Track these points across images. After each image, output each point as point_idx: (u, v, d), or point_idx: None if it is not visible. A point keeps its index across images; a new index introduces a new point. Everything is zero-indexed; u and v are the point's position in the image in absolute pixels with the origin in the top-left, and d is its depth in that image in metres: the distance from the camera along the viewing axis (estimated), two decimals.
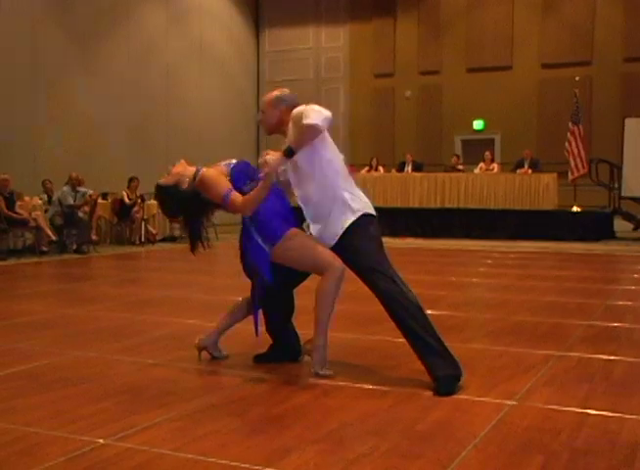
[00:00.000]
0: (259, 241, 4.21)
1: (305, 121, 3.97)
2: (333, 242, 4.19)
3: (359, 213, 4.20)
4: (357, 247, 4.15)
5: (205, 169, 4.30)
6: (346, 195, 4.22)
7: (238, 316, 4.55)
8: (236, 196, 4.09)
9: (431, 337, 3.99)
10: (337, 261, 4.12)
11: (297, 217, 4.37)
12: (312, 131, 4.00)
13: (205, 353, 4.59)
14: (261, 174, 4.01)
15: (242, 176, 4.27)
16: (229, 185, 4.17)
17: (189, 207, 4.41)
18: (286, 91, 4.39)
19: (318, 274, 4.17)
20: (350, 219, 4.17)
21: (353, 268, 4.18)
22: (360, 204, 4.24)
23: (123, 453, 3.00)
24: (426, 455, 2.99)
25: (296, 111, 4.17)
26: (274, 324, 4.50)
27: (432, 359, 3.97)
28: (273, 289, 4.29)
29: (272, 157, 4.04)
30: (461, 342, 4.74)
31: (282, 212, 4.28)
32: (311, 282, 4.33)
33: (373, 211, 4.29)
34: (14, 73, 14.53)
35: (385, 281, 4.07)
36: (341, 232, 4.16)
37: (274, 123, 4.33)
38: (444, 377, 3.91)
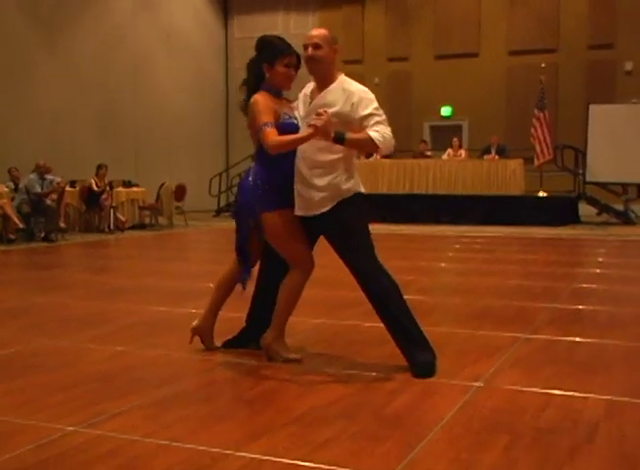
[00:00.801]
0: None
1: (374, 136, 3.87)
2: (318, 212, 4.05)
3: (355, 190, 4.11)
4: (348, 224, 4.06)
5: (258, 95, 4.12)
6: (350, 167, 4.13)
7: (222, 297, 4.47)
8: (273, 131, 3.91)
9: (410, 323, 4.02)
10: (310, 260, 4.14)
11: None
12: (370, 147, 3.99)
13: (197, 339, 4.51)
14: (311, 123, 3.82)
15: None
16: (272, 119, 4.00)
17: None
18: None
19: (289, 264, 4.14)
20: (341, 196, 4.05)
21: (337, 244, 4.09)
22: (356, 181, 4.16)
23: (93, 440, 2.99)
24: (393, 437, 3.01)
25: (369, 97, 4.01)
26: (258, 312, 4.43)
27: (410, 345, 3.99)
28: (269, 279, 4.28)
29: (323, 122, 3.75)
30: (430, 326, 4.75)
31: (287, 186, 4.11)
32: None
33: (363, 191, 4.21)
34: None
35: (369, 264, 4.03)
36: (327, 207, 4.03)
37: (328, 62, 4.06)
38: (423, 362, 3.95)
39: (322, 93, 4.08)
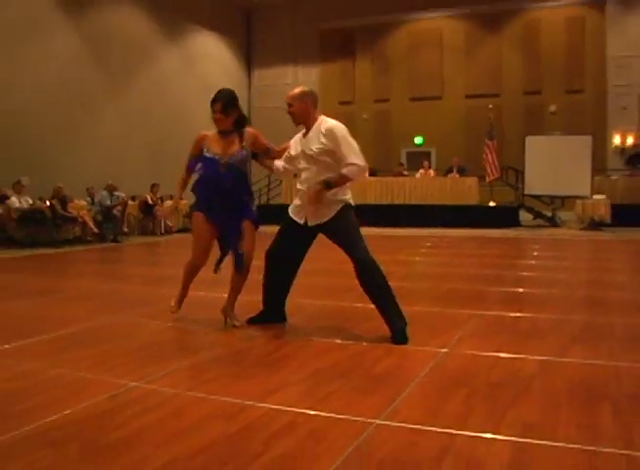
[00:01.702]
0: None
1: (345, 172, 3.96)
2: (322, 221, 4.09)
3: (344, 202, 4.13)
4: (345, 228, 4.08)
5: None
6: (341, 189, 4.14)
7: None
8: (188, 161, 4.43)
9: (391, 298, 4.01)
10: (196, 254, 4.47)
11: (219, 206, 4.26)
12: (348, 180, 4.04)
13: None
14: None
15: None
16: (193, 151, 4.45)
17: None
18: (306, 88, 4.23)
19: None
20: (339, 206, 4.10)
21: (341, 241, 4.08)
22: (347, 196, 4.18)
23: (150, 393, 2.99)
24: (379, 392, 3.00)
25: (341, 131, 4.04)
26: (271, 296, 4.39)
27: (393, 316, 3.98)
28: (278, 264, 4.27)
29: (314, 191, 3.99)
30: (408, 305, 4.70)
31: (208, 196, 4.29)
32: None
33: (352, 203, 4.23)
34: (66, 104, 14.34)
35: (368, 257, 4.01)
36: (331, 215, 4.07)
37: (301, 114, 4.12)
38: (400, 329, 3.93)
39: (305, 138, 4.15)
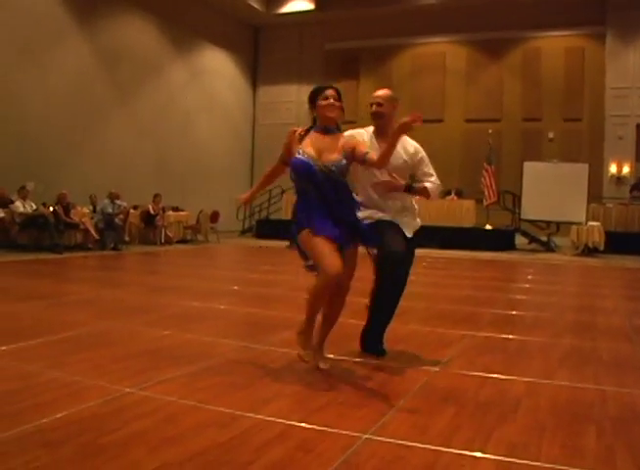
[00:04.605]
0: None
1: (429, 186, 4.04)
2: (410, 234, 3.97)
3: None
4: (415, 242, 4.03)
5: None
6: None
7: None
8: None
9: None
10: (331, 270, 3.26)
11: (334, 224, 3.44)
12: (426, 195, 4.06)
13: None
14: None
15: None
16: (284, 151, 3.62)
17: None
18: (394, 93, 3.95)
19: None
20: (418, 225, 4.10)
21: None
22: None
23: (144, 399, 3.00)
24: (370, 406, 3.01)
25: (421, 152, 4.01)
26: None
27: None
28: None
29: (393, 181, 3.88)
30: (401, 324, 4.73)
31: (322, 214, 3.43)
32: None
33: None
34: (74, 114, 14.44)
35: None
36: (412, 231, 4.03)
37: (388, 116, 3.86)
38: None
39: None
